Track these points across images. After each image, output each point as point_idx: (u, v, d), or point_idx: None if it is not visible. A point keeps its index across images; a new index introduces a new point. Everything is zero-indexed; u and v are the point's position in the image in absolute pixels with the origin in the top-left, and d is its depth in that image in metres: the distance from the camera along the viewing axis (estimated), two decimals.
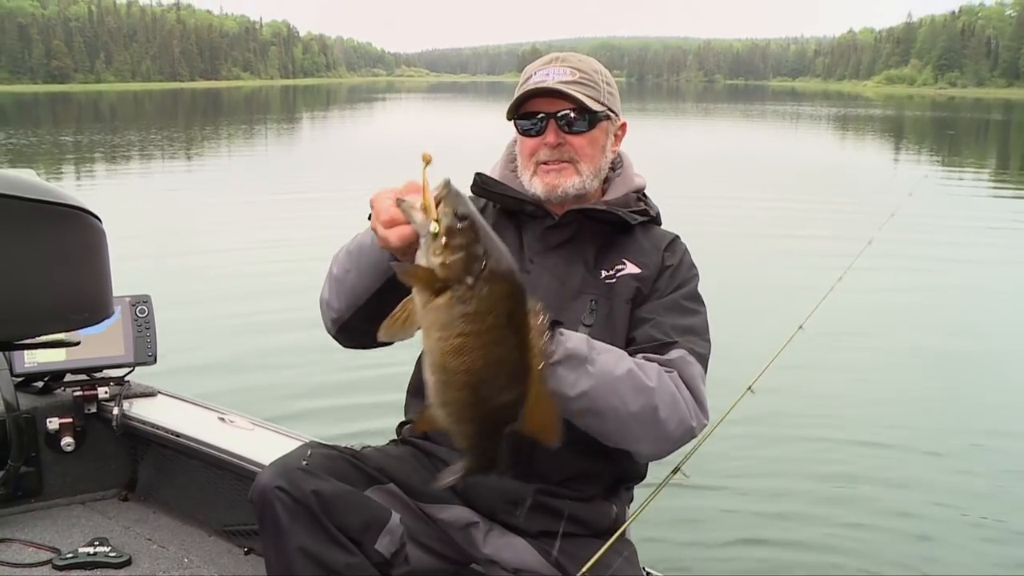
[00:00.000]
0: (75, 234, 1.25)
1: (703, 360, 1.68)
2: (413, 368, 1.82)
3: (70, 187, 15.62)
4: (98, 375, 2.85)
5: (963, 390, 6.21)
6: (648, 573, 1.93)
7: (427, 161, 1.20)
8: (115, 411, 2.77)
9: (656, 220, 1.86)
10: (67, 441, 2.78)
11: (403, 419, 1.92)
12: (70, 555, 2.50)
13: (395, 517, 1.65)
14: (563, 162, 1.74)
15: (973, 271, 9.94)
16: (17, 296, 1.18)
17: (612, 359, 1.56)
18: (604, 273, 1.74)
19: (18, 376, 2.72)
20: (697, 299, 1.77)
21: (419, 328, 1.19)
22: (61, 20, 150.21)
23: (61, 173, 18.67)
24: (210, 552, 2.62)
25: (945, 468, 4.80)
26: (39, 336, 1.35)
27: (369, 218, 1.42)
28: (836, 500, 4.40)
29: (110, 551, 2.53)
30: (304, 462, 1.61)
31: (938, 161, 26.47)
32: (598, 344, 1.56)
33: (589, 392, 1.51)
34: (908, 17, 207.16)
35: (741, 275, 8.72)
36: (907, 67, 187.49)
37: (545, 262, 1.76)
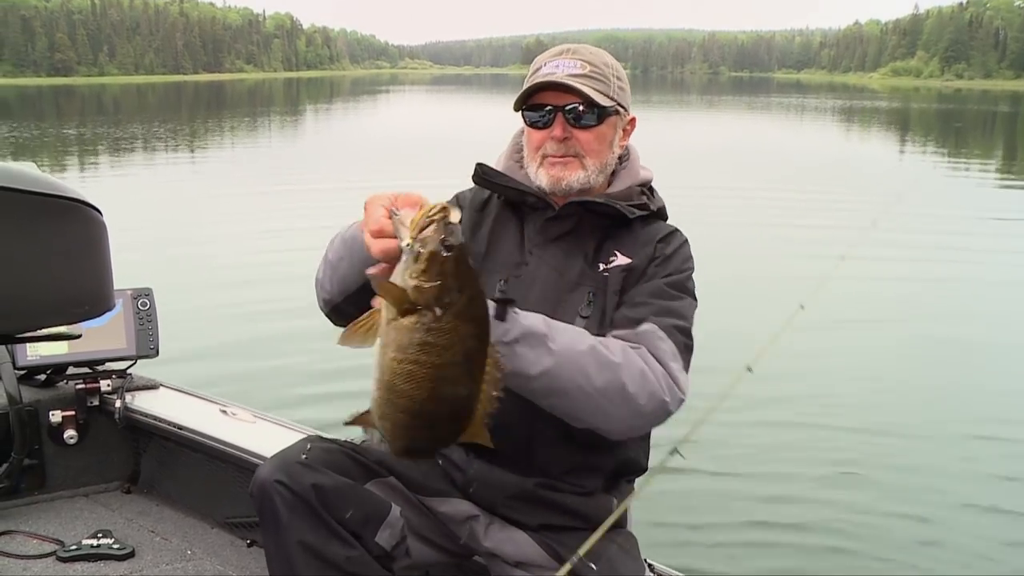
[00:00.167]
0: (76, 227, 1.24)
1: (677, 337, 1.61)
2: None
3: (74, 180, 15.68)
4: (100, 368, 2.85)
5: (965, 376, 6.23)
6: (650, 564, 1.92)
7: (454, 216, 1.16)
8: (117, 404, 2.77)
9: (659, 215, 1.83)
10: (70, 434, 2.79)
11: None
12: (74, 547, 2.51)
13: (395, 510, 1.65)
14: (568, 156, 1.72)
15: (978, 260, 9.95)
16: (18, 289, 1.18)
17: (573, 336, 1.53)
18: (602, 266, 1.73)
19: (21, 369, 2.73)
20: (683, 289, 1.70)
21: (378, 340, 1.18)
22: (64, 13, 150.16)
23: (65, 166, 18.69)
24: (213, 544, 2.62)
25: (947, 452, 4.83)
26: (40, 329, 1.35)
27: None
28: (839, 483, 4.42)
29: (113, 543, 2.53)
30: (303, 456, 1.61)
31: (944, 153, 26.40)
32: (557, 323, 1.53)
33: (551, 370, 1.47)
34: (915, 9, 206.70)
35: (742, 262, 8.75)
36: (913, 59, 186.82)
37: (544, 254, 1.75)
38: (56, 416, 2.76)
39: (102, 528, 2.61)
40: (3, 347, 2.73)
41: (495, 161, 1.87)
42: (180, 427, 2.71)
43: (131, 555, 2.52)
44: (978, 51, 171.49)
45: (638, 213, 1.75)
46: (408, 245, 1.15)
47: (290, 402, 4.70)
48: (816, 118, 45.18)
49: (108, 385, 2.83)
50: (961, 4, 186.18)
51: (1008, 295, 8.64)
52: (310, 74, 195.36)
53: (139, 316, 2.80)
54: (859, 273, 8.15)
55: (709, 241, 8.20)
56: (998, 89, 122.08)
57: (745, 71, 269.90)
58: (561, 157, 1.72)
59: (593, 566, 1.60)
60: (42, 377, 2.82)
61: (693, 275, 1.75)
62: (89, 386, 2.81)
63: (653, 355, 1.56)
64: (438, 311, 1.14)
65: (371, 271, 1.29)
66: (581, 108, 1.69)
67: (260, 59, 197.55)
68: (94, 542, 2.52)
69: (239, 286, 7.89)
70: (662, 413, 1.55)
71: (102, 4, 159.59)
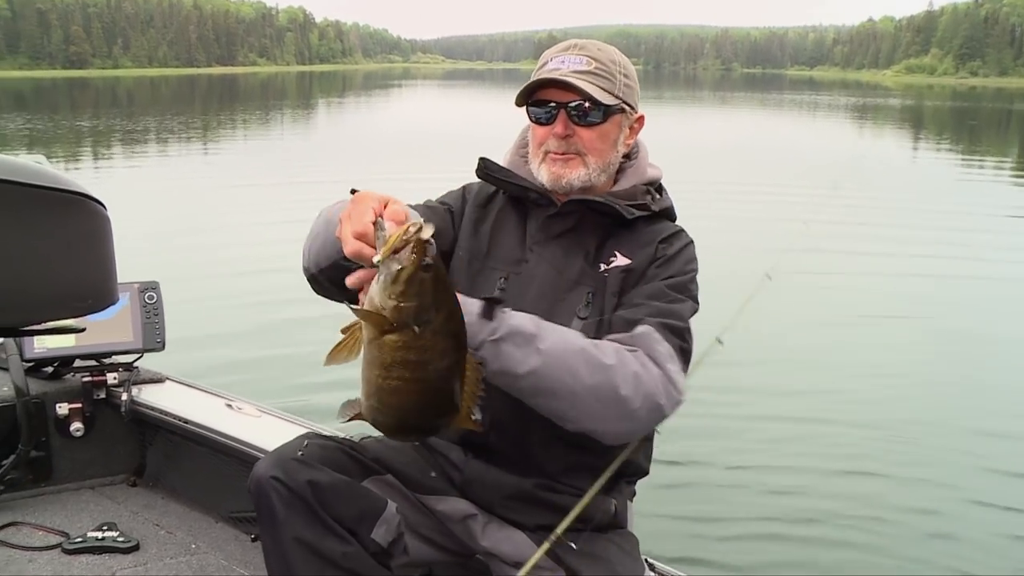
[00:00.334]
0: (79, 221, 1.24)
1: (674, 340, 1.56)
2: None
3: (86, 173, 15.76)
4: (107, 361, 2.86)
5: (976, 371, 6.23)
6: (650, 564, 1.91)
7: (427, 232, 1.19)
8: (124, 397, 2.78)
9: (665, 215, 1.80)
10: (76, 426, 2.79)
11: None
12: (79, 539, 2.52)
13: (391, 507, 1.64)
14: (570, 153, 1.70)
15: (994, 257, 9.93)
16: (20, 283, 1.18)
17: (563, 337, 1.51)
18: (602, 266, 1.71)
19: (28, 361, 2.74)
20: (684, 291, 1.66)
21: (362, 354, 1.23)
22: (80, 6, 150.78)
23: (78, 158, 18.78)
24: (217, 539, 2.63)
25: (956, 448, 4.83)
26: (43, 323, 1.35)
27: (352, 192, 1.37)
28: (845, 482, 4.41)
29: (118, 536, 2.54)
30: (300, 452, 1.60)
31: (959, 150, 26.25)
32: (548, 324, 1.52)
33: (538, 370, 1.45)
34: (929, 5, 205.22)
35: (745, 256, 8.78)
36: (927, 56, 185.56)
37: (544, 251, 1.73)
38: (63, 408, 2.77)
39: (107, 521, 2.62)
40: (11, 340, 2.74)
41: (502, 156, 1.85)
42: (186, 421, 2.71)
43: (136, 548, 2.53)
44: (994, 48, 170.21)
45: (636, 214, 1.72)
46: (385, 263, 1.18)
47: (296, 400, 4.70)
48: (829, 115, 44.95)
49: (114, 378, 2.84)
50: (977, 1, 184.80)
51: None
52: (323, 68, 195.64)
53: (146, 309, 2.80)
54: (872, 269, 8.15)
55: (717, 236, 8.20)
56: (1014, 87, 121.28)
57: (758, 68, 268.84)
58: (562, 154, 1.70)
59: (573, 545, 1.59)
60: (49, 369, 2.83)
61: (697, 277, 1.71)
62: (96, 379, 2.82)
63: (650, 357, 1.52)
64: (417, 329, 1.18)
65: (350, 281, 1.33)
66: (585, 105, 1.67)
67: (273, 52, 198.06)
68: (99, 535, 2.53)
69: (248, 278, 7.92)
70: (657, 416, 1.52)
71: None
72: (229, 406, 2.80)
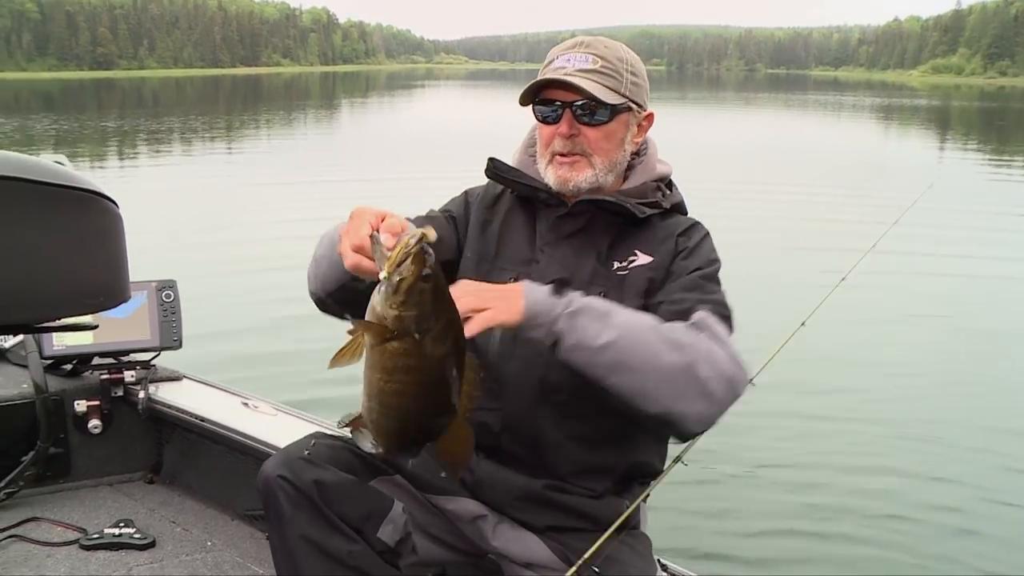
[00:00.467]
0: (91, 219, 1.24)
1: (728, 325, 1.57)
2: None
3: (111, 172, 15.92)
4: (125, 359, 2.88)
5: (1002, 371, 6.14)
6: (663, 565, 1.90)
7: (428, 238, 1.23)
8: (141, 395, 2.80)
9: (676, 210, 1.79)
10: (94, 423, 2.81)
11: None
12: (96, 535, 2.53)
13: (397, 506, 1.64)
14: (576, 155, 1.69)
15: (1020, 257, 9.84)
16: (32, 280, 1.18)
17: (634, 314, 1.49)
18: (616, 265, 1.69)
19: (47, 359, 2.76)
20: (717, 282, 1.66)
21: (364, 358, 1.27)
22: (107, 7, 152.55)
23: (104, 158, 18.98)
24: (232, 536, 2.64)
25: (980, 449, 4.74)
26: (55, 320, 1.36)
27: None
28: (866, 485, 4.35)
29: (135, 533, 2.55)
30: (307, 452, 1.61)
31: (987, 150, 25.93)
32: (617, 305, 1.51)
33: (616, 343, 1.43)
34: (957, 4, 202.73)
35: (768, 258, 8.70)
36: (955, 56, 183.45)
37: (555, 252, 1.72)
38: (81, 406, 2.79)
39: (124, 517, 2.63)
40: (30, 337, 2.77)
41: (511, 155, 1.84)
42: (202, 419, 2.72)
43: (152, 545, 2.54)
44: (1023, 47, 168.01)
45: (648, 212, 1.71)
46: (387, 276, 1.22)
47: (316, 388, 4.71)
48: (854, 116, 44.56)
49: (132, 376, 2.85)
50: None
51: None
52: (346, 68, 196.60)
53: (163, 308, 2.82)
54: (898, 269, 8.07)
55: (734, 234, 8.15)
56: None
57: (782, 68, 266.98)
58: (568, 156, 1.69)
59: (596, 569, 1.58)
60: (68, 367, 2.85)
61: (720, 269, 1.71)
62: (114, 376, 2.83)
63: (716, 339, 1.51)
64: (417, 336, 1.22)
65: (353, 320, 1.34)
66: (591, 105, 1.65)
67: (296, 53, 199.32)
68: (116, 531, 2.55)
69: (264, 280, 7.91)
70: (732, 395, 1.50)
71: None
72: (245, 404, 2.81)
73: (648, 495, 1.78)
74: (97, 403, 2.82)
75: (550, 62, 1.72)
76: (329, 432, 1.78)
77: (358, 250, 1.35)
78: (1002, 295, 8.29)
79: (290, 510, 1.56)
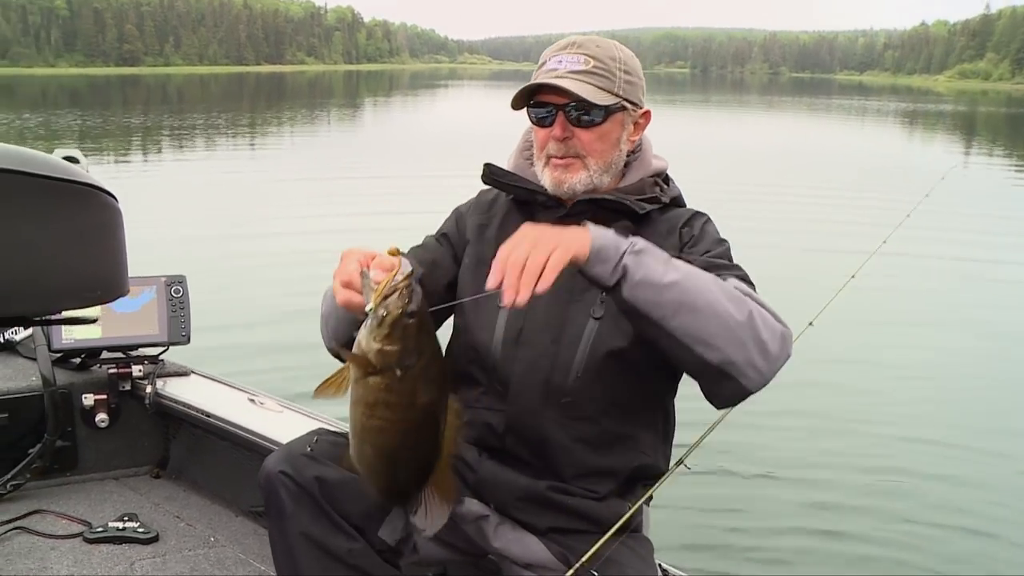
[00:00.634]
0: (90, 212, 1.24)
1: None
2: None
3: (134, 167, 16.05)
4: (133, 353, 2.88)
5: (1015, 375, 6.08)
6: (664, 569, 1.87)
7: (394, 254, 1.30)
8: (148, 389, 2.80)
9: (676, 203, 1.77)
10: (101, 417, 2.82)
11: None
12: (100, 529, 2.54)
13: None
14: (570, 157, 1.67)
15: None
16: (31, 272, 1.18)
17: (691, 266, 1.46)
18: None
19: (56, 352, 2.78)
20: (731, 259, 1.64)
21: (349, 393, 1.28)
22: (133, 5, 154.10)
23: (127, 153, 19.15)
24: (236, 532, 2.64)
25: (996, 457, 4.67)
26: (55, 313, 1.36)
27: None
28: (874, 488, 4.30)
29: (139, 527, 2.56)
30: (309, 448, 1.61)
31: (1015, 156, 25.66)
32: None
33: (681, 282, 1.40)
34: (986, 9, 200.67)
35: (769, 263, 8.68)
36: (982, 61, 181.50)
37: None
38: (89, 399, 2.80)
39: (129, 511, 2.64)
40: (39, 329, 2.79)
41: (506, 159, 1.83)
42: (209, 415, 2.72)
43: (155, 539, 2.54)
44: None
45: (648, 208, 1.69)
46: (372, 310, 1.23)
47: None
48: (878, 120, 44.19)
49: (140, 370, 2.86)
50: None
51: None
52: (370, 67, 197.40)
53: (172, 303, 2.82)
54: (920, 272, 8.00)
55: (752, 235, 8.10)
56: None
57: (806, 72, 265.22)
58: (562, 159, 1.67)
59: (595, 572, 1.56)
60: (76, 360, 2.86)
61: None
62: (121, 371, 2.84)
63: (759, 300, 1.50)
64: (399, 372, 1.23)
65: (343, 350, 1.35)
66: (583, 107, 1.63)
67: (321, 51, 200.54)
68: (120, 525, 2.55)
69: (277, 275, 7.93)
70: (784, 355, 1.48)
71: None
72: (252, 401, 2.81)
73: (650, 497, 1.75)
74: (105, 397, 2.83)
75: (543, 64, 1.70)
76: (332, 429, 1.78)
77: (347, 285, 1.36)
78: (1016, 298, 8.22)
79: (291, 506, 1.56)
